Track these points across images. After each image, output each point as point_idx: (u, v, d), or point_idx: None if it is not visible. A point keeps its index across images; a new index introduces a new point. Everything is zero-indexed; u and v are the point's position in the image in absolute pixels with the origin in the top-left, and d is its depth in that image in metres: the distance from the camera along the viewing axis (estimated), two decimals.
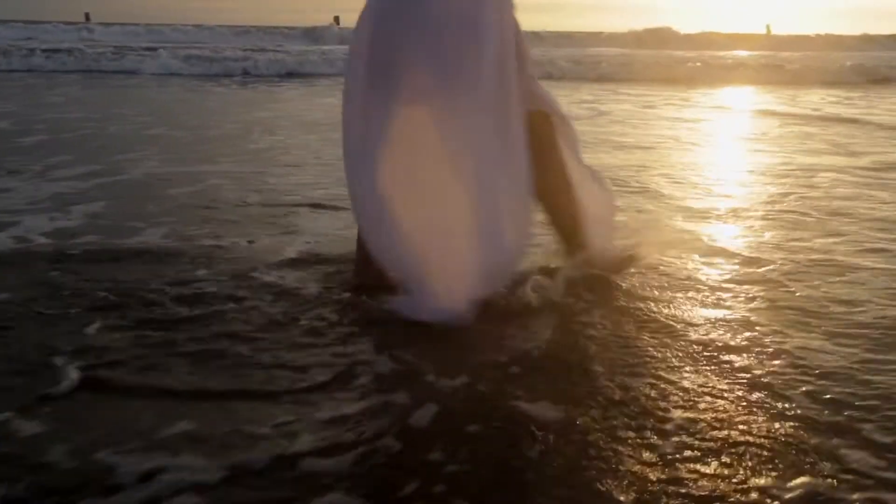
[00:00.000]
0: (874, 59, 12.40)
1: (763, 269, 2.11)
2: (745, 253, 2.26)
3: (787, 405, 1.34)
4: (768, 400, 1.36)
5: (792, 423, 1.28)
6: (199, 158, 3.84)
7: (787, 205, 2.92)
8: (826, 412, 1.32)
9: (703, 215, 2.74)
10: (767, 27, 23.07)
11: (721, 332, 1.67)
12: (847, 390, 1.40)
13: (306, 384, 1.41)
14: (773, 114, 6.53)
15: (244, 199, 2.95)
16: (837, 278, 2.04)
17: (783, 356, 1.54)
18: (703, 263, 2.15)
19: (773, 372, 1.47)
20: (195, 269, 2.05)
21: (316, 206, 2.82)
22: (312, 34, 19.09)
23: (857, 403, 1.35)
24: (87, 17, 24.93)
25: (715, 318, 1.75)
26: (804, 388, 1.40)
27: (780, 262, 2.17)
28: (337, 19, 21.19)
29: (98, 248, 2.24)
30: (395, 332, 1.66)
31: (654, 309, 1.81)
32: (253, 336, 1.62)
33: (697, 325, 1.70)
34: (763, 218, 2.71)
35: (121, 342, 1.57)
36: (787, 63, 11.44)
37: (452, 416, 1.32)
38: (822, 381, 1.43)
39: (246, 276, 2.00)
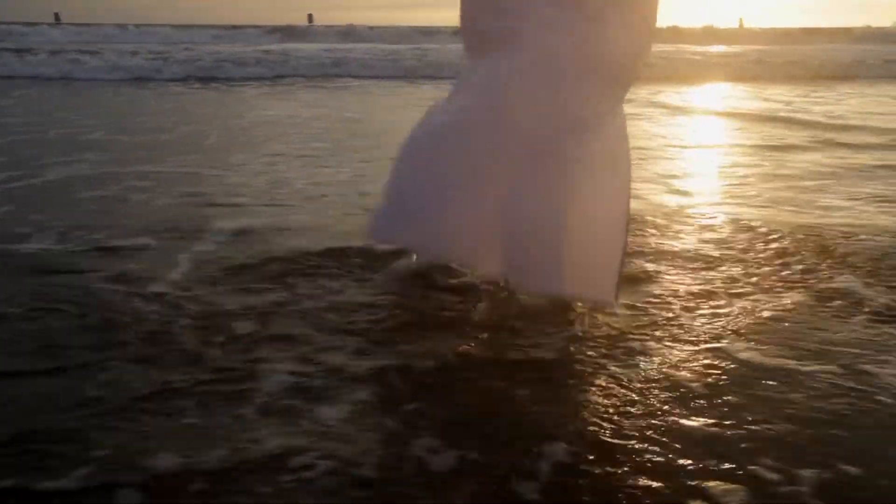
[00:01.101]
0: (846, 53, 12.39)
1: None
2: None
3: None
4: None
5: None
6: (135, 161, 3.73)
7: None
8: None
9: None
10: (740, 21, 23.19)
11: None
12: None
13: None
14: (707, 112, 6.52)
15: (153, 201, 2.89)
16: None
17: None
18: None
19: None
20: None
21: (233, 207, 2.76)
22: (287, 32, 18.89)
23: None
24: (57, 17, 24.57)
25: None
26: None
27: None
28: (310, 17, 21.02)
29: None
30: None
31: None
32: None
33: None
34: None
35: None
36: (746, 57, 11.35)
37: None
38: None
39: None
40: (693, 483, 1.12)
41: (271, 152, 4.09)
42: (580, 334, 1.67)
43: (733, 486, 1.11)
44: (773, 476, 1.14)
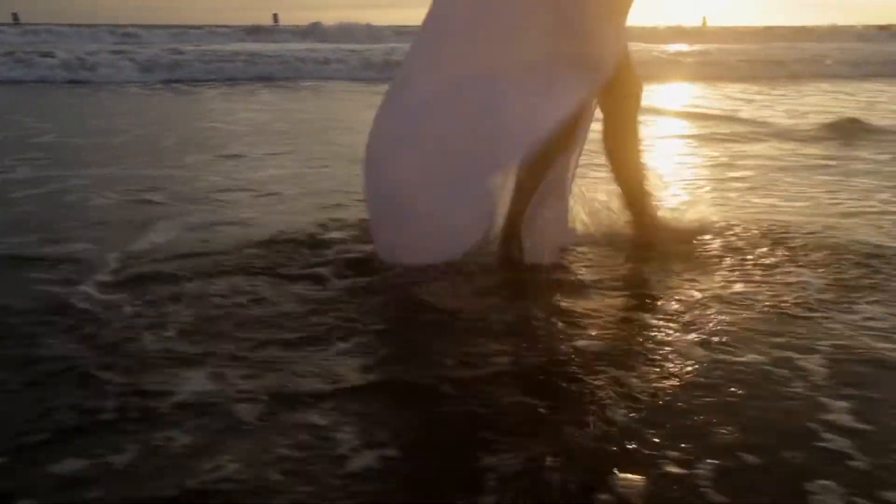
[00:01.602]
0: (805, 51, 12.57)
1: None
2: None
3: None
4: None
5: None
6: (82, 163, 3.61)
7: None
8: None
9: None
10: (704, 20, 23.54)
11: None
12: None
13: None
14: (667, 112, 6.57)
15: (90, 201, 2.84)
16: None
17: None
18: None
19: None
20: None
21: (175, 207, 2.69)
22: (251, 32, 18.65)
23: None
24: (16, 17, 23.98)
25: None
26: None
27: None
28: (275, 17, 20.81)
29: None
30: None
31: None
32: None
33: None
34: None
35: None
36: (704, 56, 11.43)
37: None
38: None
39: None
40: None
41: (228, 153, 4.02)
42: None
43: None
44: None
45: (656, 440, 1.20)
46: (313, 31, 17.15)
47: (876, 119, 5.18)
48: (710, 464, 1.14)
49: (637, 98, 2.11)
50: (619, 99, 2.05)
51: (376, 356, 1.53)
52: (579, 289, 1.89)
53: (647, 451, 1.17)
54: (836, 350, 1.53)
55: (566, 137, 1.95)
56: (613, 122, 2.09)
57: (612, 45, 1.90)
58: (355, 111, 6.44)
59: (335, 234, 2.34)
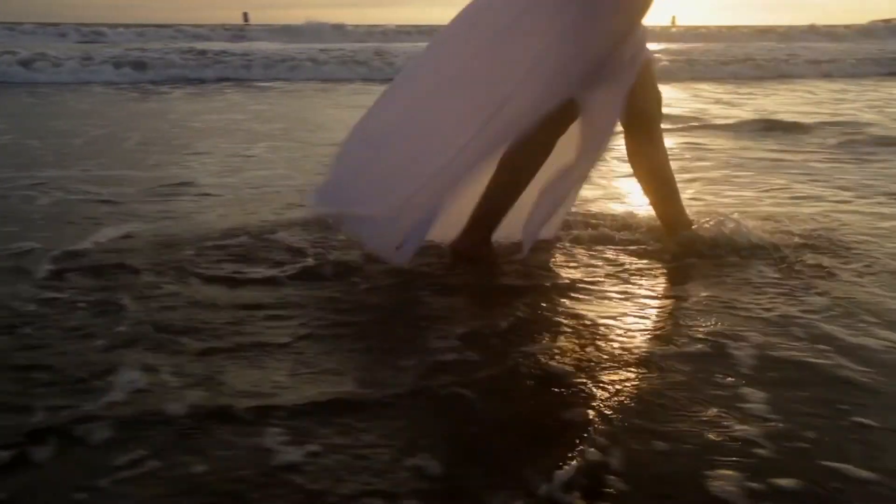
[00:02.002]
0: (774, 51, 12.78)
1: None
2: None
3: None
4: None
5: None
6: (37, 165, 3.57)
7: None
8: None
9: None
10: (673, 18, 23.84)
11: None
12: None
13: None
14: None
15: (36, 201, 2.83)
16: None
17: None
18: None
19: None
20: None
21: (125, 207, 2.69)
22: (221, 32, 18.49)
23: None
24: None
25: None
26: None
27: None
28: (245, 16, 20.64)
29: None
30: None
31: None
32: None
33: None
34: None
35: None
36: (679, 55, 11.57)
37: None
38: None
39: None
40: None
41: (190, 152, 4.02)
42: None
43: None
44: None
45: (568, 424, 1.27)
46: (286, 31, 17.07)
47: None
48: (620, 449, 1.20)
49: (657, 104, 2.13)
50: (638, 108, 2.04)
51: (317, 368, 1.51)
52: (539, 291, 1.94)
53: (558, 433, 1.24)
54: (768, 342, 1.61)
55: (550, 135, 1.99)
56: (634, 133, 2.12)
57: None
58: (322, 110, 6.45)
59: (289, 235, 2.35)
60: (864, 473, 1.15)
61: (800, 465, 1.17)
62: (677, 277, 2.04)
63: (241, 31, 17.88)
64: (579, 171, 1.99)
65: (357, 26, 18.20)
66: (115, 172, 3.44)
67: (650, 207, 2.30)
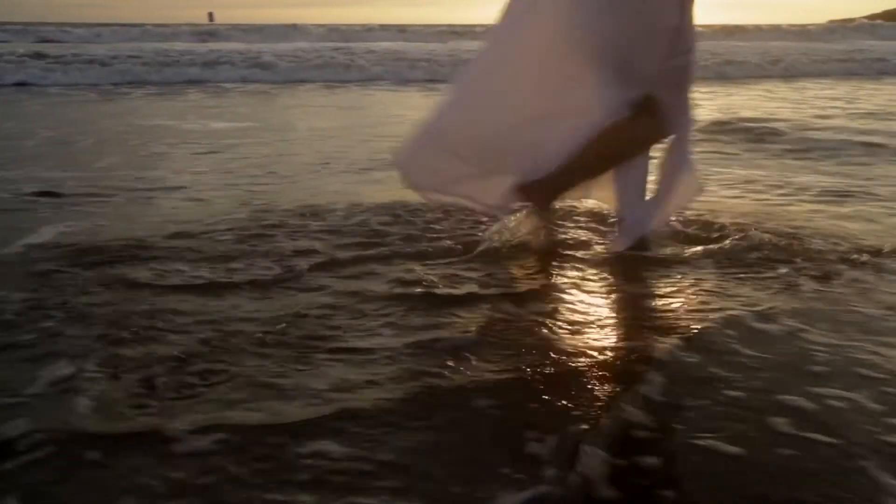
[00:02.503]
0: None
1: None
2: None
3: None
4: None
5: None
6: None
7: None
8: None
9: None
10: None
11: None
12: None
13: None
14: None
15: None
16: None
17: None
18: None
19: None
20: None
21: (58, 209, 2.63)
22: (186, 32, 18.23)
23: None
24: None
25: None
26: None
27: None
28: (211, 15, 20.38)
29: None
30: None
31: None
32: None
33: None
34: None
35: None
36: None
37: None
38: None
39: None
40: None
41: (144, 154, 3.97)
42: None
43: None
44: None
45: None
46: (252, 31, 16.89)
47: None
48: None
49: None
50: None
51: (225, 390, 1.54)
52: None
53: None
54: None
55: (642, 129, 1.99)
56: None
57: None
58: (286, 111, 6.40)
59: (228, 239, 2.33)
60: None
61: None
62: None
63: (206, 31, 17.65)
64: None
65: (321, 25, 18.10)
66: (63, 174, 3.37)
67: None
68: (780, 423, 1.28)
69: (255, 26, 17.89)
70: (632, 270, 2.04)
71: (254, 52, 10.85)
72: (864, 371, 1.46)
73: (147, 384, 1.39)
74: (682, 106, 1.96)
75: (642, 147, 2.07)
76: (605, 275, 2.01)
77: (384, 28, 19.15)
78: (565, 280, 1.97)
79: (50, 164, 3.61)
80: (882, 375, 1.44)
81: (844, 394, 1.37)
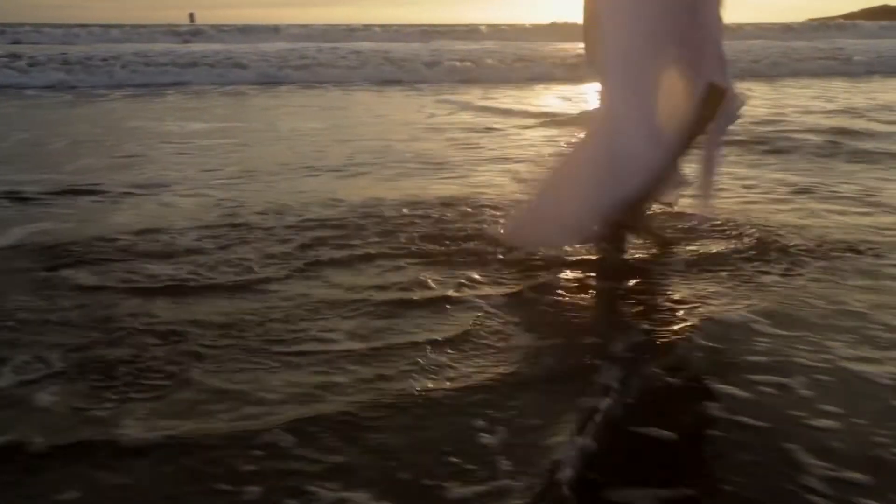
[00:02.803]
0: None
1: None
2: None
3: None
4: None
5: None
6: None
7: None
8: None
9: None
10: None
11: None
12: None
13: None
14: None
15: None
16: None
17: None
18: None
19: None
20: None
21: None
22: (165, 33, 18.09)
23: None
24: None
25: None
26: None
27: None
28: (192, 16, 20.27)
29: None
30: None
31: None
32: None
33: None
34: None
35: None
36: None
37: None
38: None
39: None
40: None
41: (119, 155, 3.96)
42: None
43: None
44: None
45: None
46: (233, 32, 16.79)
47: None
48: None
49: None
50: None
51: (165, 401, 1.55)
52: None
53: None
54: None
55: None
56: None
57: None
58: (263, 112, 6.39)
59: (198, 239, 2.35)
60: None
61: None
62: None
63: (186, 31, 17.55)
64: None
65: (302, 25, 18.04)
66: (30, 177, 3.35)
67: None
68: (714, 407, 1.34)
69: (236, 27, 17.81)
70: (602, 270, 2.10)
71: (234, 52, 10.82)
72: (802, 361, 1.52)
73: (101, 388, 1.40)
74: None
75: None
76: (575, 276, 2.05)
77: (366, 28, 19.13)
78: (534, 284, 1.97)
79: (21, 167, 3.61)
80: (817, 364, 1.50)
81: (780, 380, 1.43)
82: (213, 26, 18.46)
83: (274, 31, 17.07)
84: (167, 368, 1.48)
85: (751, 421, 1.29)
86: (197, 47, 12.34)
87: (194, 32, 17.36)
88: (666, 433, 1.25)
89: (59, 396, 1.37)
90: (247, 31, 16.96)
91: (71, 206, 2.83)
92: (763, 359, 1.53)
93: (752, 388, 1.40)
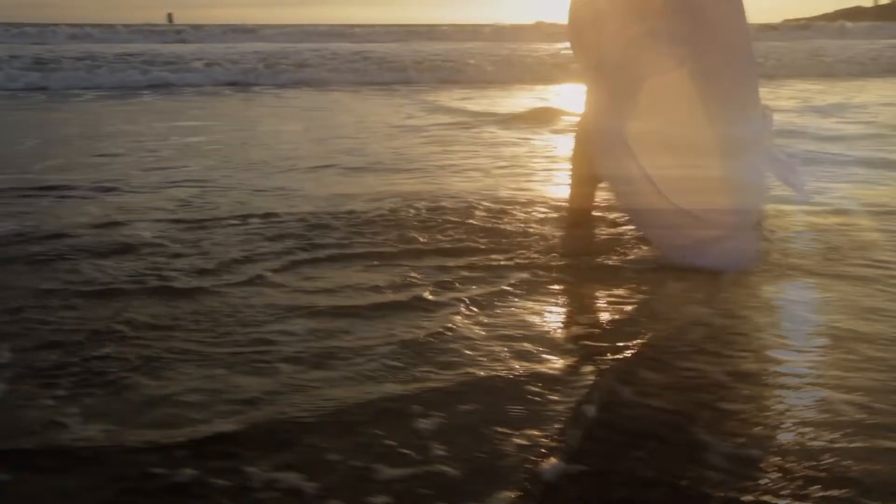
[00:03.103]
0: None
1: None
2: None
3: None
4: None
5: None
6: None
7: None
8: None
9: None
10: None
11: None
12: None
13: None
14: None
15: None
16: None
17: None
18: None
19: None
20: None
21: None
22: (144, 33, 17.92)
23: None
24: None
25: None
26: None
27: None
28: (170, 16, 20.09)
29: None
30: None
31: None
32: None
33: None
34: None
35: None
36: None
37: None
38: None
39: None
40: None
41: (91, 155, 3.90)
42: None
43: None
44: None
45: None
46: (212, 32, 16.68)
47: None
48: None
49: None
50: None
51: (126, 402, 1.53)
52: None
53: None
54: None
55: None
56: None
57: None
58: (244, 113, 6.34)
59: (161, 240, 2.31)
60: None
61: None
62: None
63: (163, 31, 17.40)
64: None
65: (282, 26, 17.95)
66: None
67: None
68: (627, 391, 1.36)
69: (215, 26, 17.66)
70: (571, 272, 2.08)
71: (212, 53, 10.72)
72: (725, 350, 1.53)
73: (41, 390, 1.36)
74: None
75: None
76: (548, 280, 1.99)
77: (345, 27, 19.08)
78: (506, 288, 1.91)
79: None
80: (731, 353, 1.51)
81: (698, 367, 1.45)
82: (191, 26, 18.31)
83: (252, 31, 16.96)
84: (109, 371, 1.43)
85: (662, 405, 1.28)
86: (174, 48, 12.23)
87: (173, 32, 17.22)
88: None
89: (2, 400, 1.34)
90: (225, 32, 16.83)
91: (31, 206, 2.77)
92: (691, 348, 1.52)
93: (670, 373, 1.40)
